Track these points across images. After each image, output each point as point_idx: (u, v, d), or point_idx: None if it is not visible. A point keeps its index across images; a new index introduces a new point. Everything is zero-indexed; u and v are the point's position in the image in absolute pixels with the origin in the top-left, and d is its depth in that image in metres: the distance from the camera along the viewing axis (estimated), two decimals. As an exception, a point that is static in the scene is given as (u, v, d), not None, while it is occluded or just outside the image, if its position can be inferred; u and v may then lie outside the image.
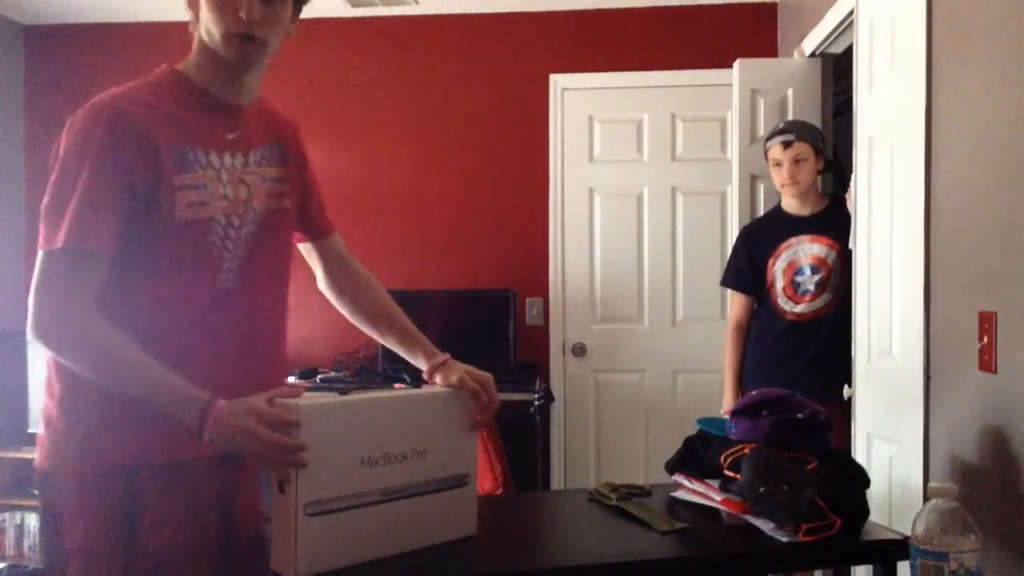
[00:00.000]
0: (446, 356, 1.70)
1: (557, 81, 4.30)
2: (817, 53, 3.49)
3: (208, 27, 1.51)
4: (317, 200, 1.79)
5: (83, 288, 1.41)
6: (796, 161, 3.02)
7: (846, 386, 2.71)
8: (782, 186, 3.08)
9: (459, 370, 1.65)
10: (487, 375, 1.65)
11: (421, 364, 1.71)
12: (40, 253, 1.43)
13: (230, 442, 1.38)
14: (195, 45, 1.56)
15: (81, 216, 1.40)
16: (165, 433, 1.45)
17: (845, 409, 2.74)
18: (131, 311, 1.46)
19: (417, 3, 4.18)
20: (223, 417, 1.37)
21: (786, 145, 3.03)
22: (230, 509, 1.58)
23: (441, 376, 1.67)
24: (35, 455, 1.54)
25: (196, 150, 1.50)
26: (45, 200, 1.44)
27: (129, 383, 1.42)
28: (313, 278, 1.85)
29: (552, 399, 4.13)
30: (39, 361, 4.01)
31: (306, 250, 1.82)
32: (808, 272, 3.01)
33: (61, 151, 1.44)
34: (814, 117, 3.48)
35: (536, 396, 3.80)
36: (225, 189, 1.53)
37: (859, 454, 2.53)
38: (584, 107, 4.29)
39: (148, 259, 1.47)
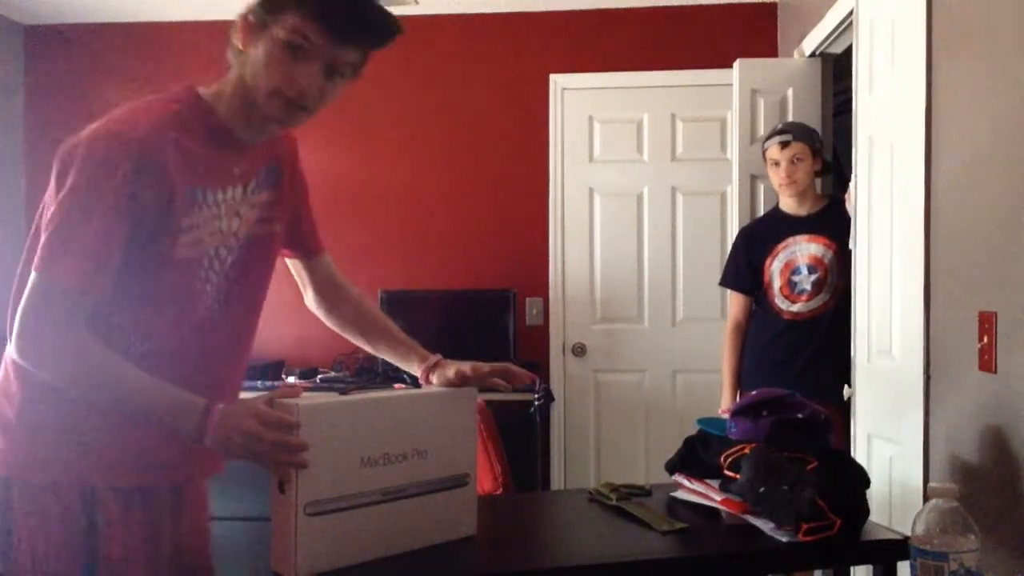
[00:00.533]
0: (438, 356, 1.70)
1: (557, 81, 4.30)
2: (817, 53, 3.50)
3: (256, 76, 1.45)
4: (308, 219, 1.76)
5: (81, 312, 1.38)
6: (793, 161, 3.04)
7: (846, 386, 2.71)
8: (780, 186, 3.09)
9: (453, 366, 1.66)
10: (480, 364, 1.65)
11: (415, 368, 1.72)
12: (36, 275, 1.36)
13: (230, 443, 1.38)
14: (232, 78, 1.49)
15: (94, 257, 1.36)
16: (128, 457, 1.46)
17: (844, 409, 2.75)
18: (111, 331, 1.43)
19: (417, 3, 4.17)
20: (223, 420, 1.37)
21: (783, 145, 3.04)
22: (180, 528, 1.58)
23: (437, 376, 1.67)
24: None
25: (205, 190, 1.47)
26: (54, 220, 1.37)
27: (129, 397, 1.41)
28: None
29: (552, 399, 4.13)
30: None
31: (295, 267, 1.80)
32: (805, 272, 3.01)
33: (78, 174, 1.36)
34: (814, 117, 3.49)
35: (536, 396, 3.80)
36: (220, 223, 1.51)
37: (859, 454, 2.53)
38: (584, 107, 4.29)
39: (136, 287, 1.44)
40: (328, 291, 1.81)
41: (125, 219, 1.37)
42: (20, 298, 1.39)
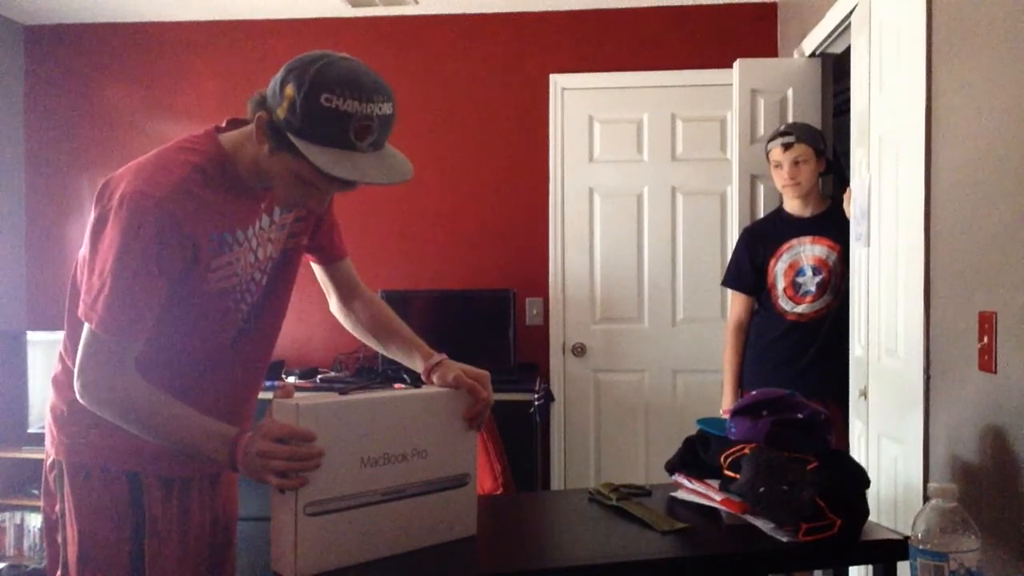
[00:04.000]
0: (442, 356, 1.71)
1: (557, 81, 4.30)
2: (817, 53, 3.49)
3: (271, 177, 1.49)
4: (329, 224, 1.80)
5: (130, 355, 1.47)
6: (797, 162, 3.03)
7: (850, 385, 2.71)
8: (783, 187, 3.09)
9: (455, 368, 1.66)
10: (483, 372, 1.66)
11: (418, 365, 1.73)
12: (87, 328, 1.46)
13: (252, 467, 1.42)
14: (251, 145, 1.50)
15: (134, 309, 1.44)
16: (163, 450, 1.54)
17: (844, 409, 2.74)
18: (150, 356, 1.52)
19: (417, 3, 4.18)
20: (246, 450, 1.42)
21: (786, 147, 3.04)
22: (212, 511, 1.69)
23: (438, 375, 1.67)
24: (46, 446, 1.62)
25: (234, 231, 1.54)
26: (97, 274, 1.44)
27: (171, 439, 1.49)
28: (313, 277, 1.87)
29: (552, 399, 4.13)
30: (39, 361, 4.01)
31: (319, 273, 1.85)
32: (809, 273, 3.01)
33: (111, 231, 1.43)
34: (814, 117, 3.49)
35: (536, 396, 3.80)
36: (254, 254, 1.58)
37: (870, 454, 2.53)
38: (584, 107, 4.29)
39: (172, 321, 1.52)
40: (347, 296, 1.85)
41: (155, 274, 1.44)
42: (72, 324, 1.54)
